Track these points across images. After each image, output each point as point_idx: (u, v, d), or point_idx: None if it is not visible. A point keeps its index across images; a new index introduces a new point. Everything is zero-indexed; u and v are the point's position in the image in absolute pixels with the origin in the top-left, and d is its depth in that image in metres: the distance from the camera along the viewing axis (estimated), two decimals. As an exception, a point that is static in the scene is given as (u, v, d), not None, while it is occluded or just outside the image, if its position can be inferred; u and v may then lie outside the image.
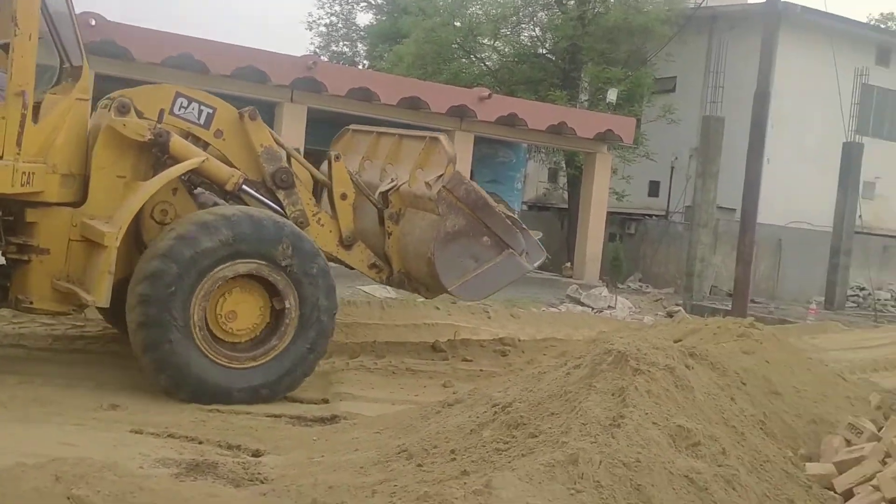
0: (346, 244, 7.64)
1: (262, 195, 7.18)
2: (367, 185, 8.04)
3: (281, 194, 7.25)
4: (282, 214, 7.04)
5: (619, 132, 17.55)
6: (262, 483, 4.60)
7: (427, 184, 7.43)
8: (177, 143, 6.64)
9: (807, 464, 4.81)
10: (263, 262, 6.38)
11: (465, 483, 3.09)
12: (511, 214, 8.29)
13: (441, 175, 7.34)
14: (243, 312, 6.49)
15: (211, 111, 7.06)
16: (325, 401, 6.93)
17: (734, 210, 19.77)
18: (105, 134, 6.55)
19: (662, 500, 3.25)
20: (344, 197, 7.64)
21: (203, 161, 6.69)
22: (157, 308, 6.04)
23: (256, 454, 5.31)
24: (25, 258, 6.30)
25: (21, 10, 5.87)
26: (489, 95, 15.88)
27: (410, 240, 7.69)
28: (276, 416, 6.44)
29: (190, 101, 6.98)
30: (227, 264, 6.27)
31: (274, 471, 4.88)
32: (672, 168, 23.25)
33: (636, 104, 21.86)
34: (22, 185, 6.01)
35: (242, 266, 6.33)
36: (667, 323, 7.67)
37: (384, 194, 7.88)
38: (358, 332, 9.56)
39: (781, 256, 21.82)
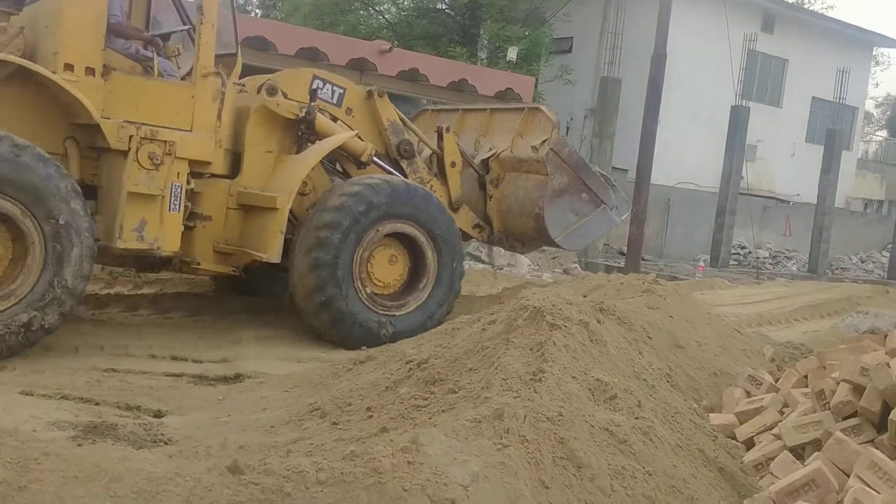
0: (455, 207, 8.41)
1: (387, 165, 8.10)
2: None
3: (404, 163, 8.19)
4: None
5: (519, 91, 17.58)
6: (167, 444, 4.41)
7: (534, 148, 8.39)
8: (321, 120, 7.47)
9: (710, 414, 4.97)
10: (413, 223, 7.33)
11: (390, 441, 3.01)
12: (603, 173, 9.46)
13: (546, 139, 8.33)
14: (391, 268, 7.42)
15: (342, 91, 8.02)
16: (226, 360, 6.72)
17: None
18: (258, 113, 7.27)
19: (585, 453, 3.26)
20: (453, 165, 8.51)
21: (354, 135, 7.61)
22: (331, 254, 6.89)
23: (158, 415, 5.09)
24: (191, 224, 6.96)
25: (206, 1, 6.68)
26: (390, 49, 15.58)
27: (514, 200, 8.63)
28: (175, 375, 6.20)
29: (325, 82, 7.92)
30: (387, 222, 7.18)
31: (178, 432, 4.69)
32: (567, 129, 23.60)
33: (534, 64, 21.97)
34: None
35: (399, 225, 7.28)
36: (569, 279, 7.77)
37: (485, 161, 8.80)
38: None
39: (669, 216, 22.59)
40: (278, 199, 6.88)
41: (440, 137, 8.53)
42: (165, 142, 6.47)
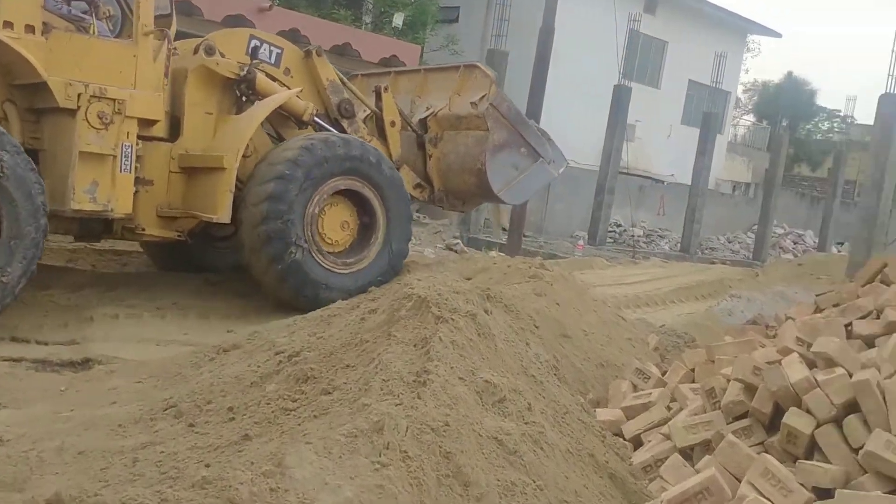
0: (396, 167, 8.18)
1: (327, 125, 7.99)
2: None
3: (345, 123, 8.11)
4: None
5: (404, 59, 17.09)
6: (-5, 446, 3.82)
7: (473, 104, 8.44)
8: (262, 80, 7.46)
9: (597, 410, 4.77)
10: (363, 180, 7.33)
11: (251, 462, 2.58)
12: (540, 127, 9.48)
13: (485, 94, 8.41)
14: (340, 225, 7.39)
15: (280, 51, 7.95)
16: (74, 342, 6.07)
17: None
18: (197, 73, 7.19)
19: (473, 468, 2.94)
20: (393, 124, 8.49)
21: (296, 93, 7.59)
22: (279, 224, 6.81)
23: (-11, 408, 4.46)
24: (134, 189, 6.78)
25: None
26: (270, 7, 14.78)
27: (454, 158, 8.68)
28: (14, 360, 5.53)
29: (262, 42, 7.82)
30: (337, 177, 7.17)
31: (10, 430, 4.09)
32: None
33: (420, 32, 21.47)
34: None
35: (348, 181, 7.27)
36: (455, 260, 7.48)
37: (423, 121, 8.84)
38: (114, 262, 8.59)
39: (550, 192, 22.69)
40: (225, 159, 6.84)
41: (378, 97, 8.50)
42: (115, 100, 6.37)
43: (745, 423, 4.06)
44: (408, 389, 3.33)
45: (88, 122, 6.27)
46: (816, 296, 6.42)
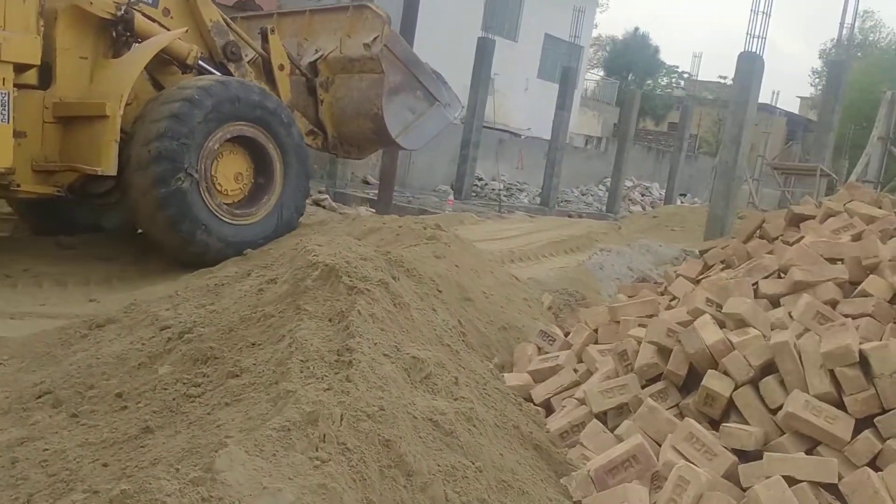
0: None
1: (212, 68, 7.55)
2: None
3: (231, 66, 7.68)
4: None
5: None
6: None
7: (366, 45, 8.14)
8: (140, 20, 6.95)
9: (505, 375, 4.65)
10: (256, 126, 6.94)
11: (175, 470, 2.24)
12: (435, 70, 9.20)
13: (378, 36, 8.11)
14: (234, 175, 6.98)
15: None
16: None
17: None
18: (68, 14, 6.64)
19: (414, 455, 2.71)
20: (281, 68, 8.12)
21: (180, 34, 7.10)
22: (174, 145, 6.35)
23: None
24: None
25: None
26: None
27: (348, 102, 8.37)
28: None
29: None
30: (229, 124, 6.75)
31: None
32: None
33: (276, -25, 20.48)
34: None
35: (241, 127, 6.87)
36: (339, 220, 7.13)
37: (312, 64, 8.54)
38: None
39: (411, 145, 22.45)
40: (108, 106, 6.33)
41: (265, 39, 8.09)
42: None
43: (659, 385, 4.04)
44: (332, 371, 3.05)
45: None
46: (701, 252, 6.56)
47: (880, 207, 5.74)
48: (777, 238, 6.13)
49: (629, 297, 5.90)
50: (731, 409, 3.81)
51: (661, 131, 46.15)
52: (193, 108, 6.48)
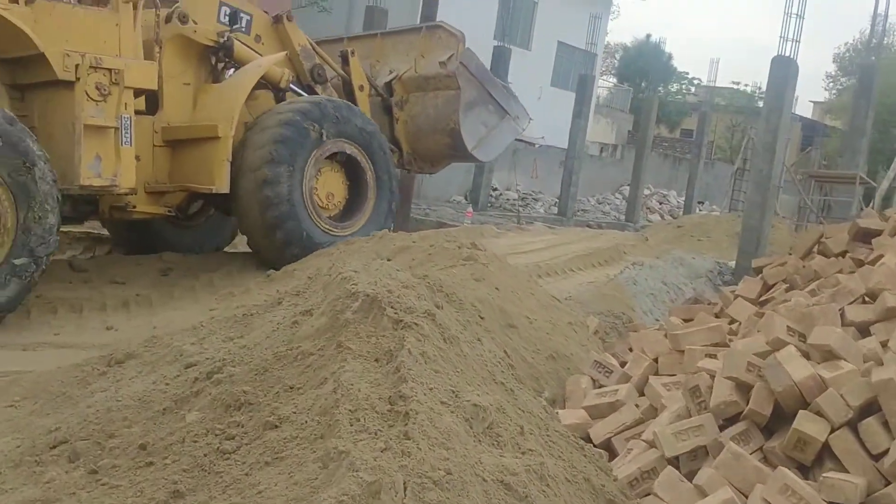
0: None
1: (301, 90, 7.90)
2: None
3: (318, 88, 7.99)
4: None
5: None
6: None
7: (442, 63, 8.44)
8: (240, 47, 7.31)
9: (559, 412, 4.24)
10: (354, 143, 7.29)
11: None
12: (505, 84, 9.65)
13: (453, 54, 8.41)
14: (333, 188, 7.33)
15: (249, 17, 7.64)
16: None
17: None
18: (174, 43, 6.97)
19: (489, 530, 2.32)
20: (361, 88, 8.41)
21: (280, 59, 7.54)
22: (284, 156, 6.71)
23: None
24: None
25: None
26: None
27: (423, 119, 8.64)
28: None
29: (231, 8, 7.47)
30: (331, 141, 7.11)
31: None
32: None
33: (288, -14, 20.18)
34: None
35: (341, 144, 7.23)
36: (366, 238, 6.75)
37: (388, 84, 8.78)
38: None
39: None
40: (220, 128, 6.69)
41: (345, 61, 8.45)
42: (111, 70, 6.05)
43: (740, 427, 3.63)
44: (385, 424, 2.66)
45: (88, 94, 5.92)
46: (756, 270, 6.14)
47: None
48: (840, 254, 5.72)
49: (684, 320, 5.49)
50: (824, 454, 3.40)
51: (676, 138, 45.65)
52: (304, 122, 6.91)
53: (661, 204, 30.56)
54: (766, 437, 3.66)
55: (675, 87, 50.88)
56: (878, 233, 5.54)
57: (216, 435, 2.96)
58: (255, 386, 3.21)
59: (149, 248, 7.80)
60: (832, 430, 3.33)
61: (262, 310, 4.27)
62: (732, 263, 11.90)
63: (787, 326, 3.86)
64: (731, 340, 4.59)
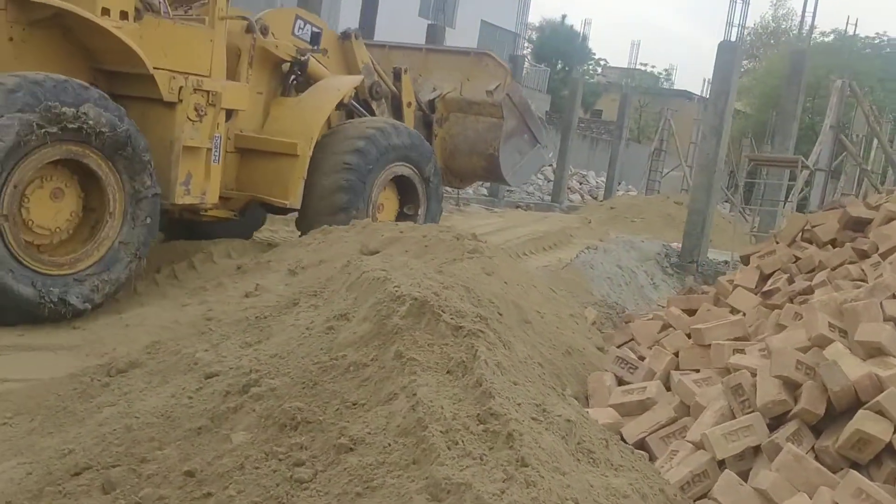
0: None
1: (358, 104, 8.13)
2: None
3: (374, 104, 8.20)
4: None
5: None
6: None
7: (489, 92, 8.82)
8: (313, 64, 7.51)
9: (589, 411, 4.10)
10: (413, 166, 7.59)
11: None
12: (539, 115, 10.16)
13: (500, 84, 8.82)
14: (389, 207, 7.63)
15: (319, 31, 7.86)
16: None
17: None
18: (254, 53, 7.03)
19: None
20: (409, 105, 8.65)
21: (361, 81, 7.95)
22: (357, 177, 6.95)
23: None
24: None
25: None
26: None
27: (462, 140, 9.09)
28: None
29: (305, 22, 7.75)
30: (397, 163, 7.38)
31: None
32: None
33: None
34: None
35: (402, 167, 7.49)
36: (347, 228, 6.38)
37: (431, 102, 9.05)
38: None
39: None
40: (299, 146, 6.85)
41: (397, 78, 8.65)
42: (209, 92, 6.20)
43: (792, 427, 3.56)
44: (486, 447, 2.45)
45: (188, 115, 6.06)
46: (743, 259, 6.13)
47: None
48: (829, 242, 5.76)
49: (685, 311, 5.44)
50: (883, 454, 3.36)
51: (591, 119, 46.29)
52: (372, 146, 7.13)
53: (580, 184, 30.90)
54: (815, 437, 3.62)
55: (583, 68, 51.57)
56: (869, 221, 5.60)
57: (280, 460, 2.69)
58: (307, 402, 2.94)
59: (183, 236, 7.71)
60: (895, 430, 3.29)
61: (277, 311, 3.97)
62: (676, 245, 12.05)
63: (829, 323, 3.82)
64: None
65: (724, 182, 20.99)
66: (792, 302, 4.77)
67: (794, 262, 5.51)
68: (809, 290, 4.87)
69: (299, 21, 7.76)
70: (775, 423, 3.69)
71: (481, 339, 3.00)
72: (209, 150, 6.26)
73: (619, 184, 32.93)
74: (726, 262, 11.92)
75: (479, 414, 2.61)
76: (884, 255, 4.62)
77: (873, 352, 3.62)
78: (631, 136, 43.12)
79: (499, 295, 4.61)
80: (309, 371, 3.14)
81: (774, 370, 3.65)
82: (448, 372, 2.86)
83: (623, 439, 4.02)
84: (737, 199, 19.10)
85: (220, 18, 6.37)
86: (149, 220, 5.69)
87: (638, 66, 52.34)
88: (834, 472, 3.39)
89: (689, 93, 49.26)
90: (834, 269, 5.01)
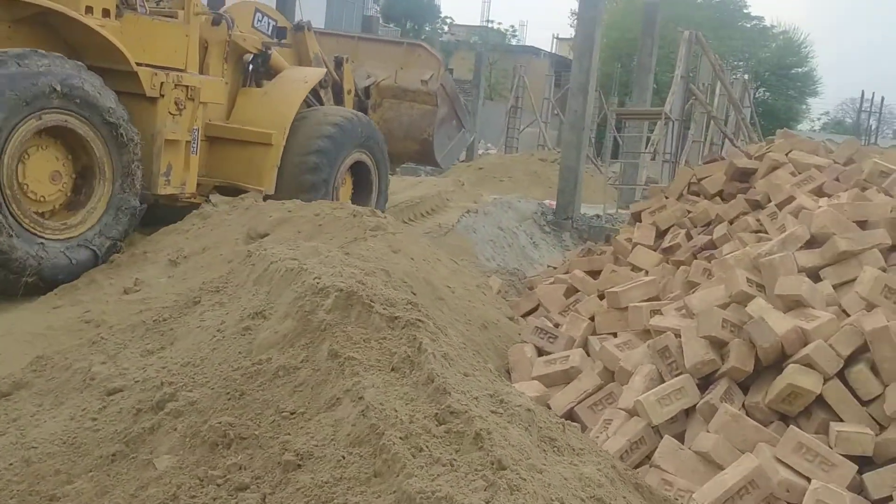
0: None
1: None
2: None
3: (322, 92, 8.50)
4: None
5: None
6: None
7: (423, 81, 9.54)
8: (275, 56, 8.04)
9: (515, 385, 4.00)
10: (369, 153, 8.06)
11: None
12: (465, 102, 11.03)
13: (434, 74, 9.56)
14: (343, 191, 7.90)
15: (275, 23, 8.22)
16: None
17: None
18: (222, 46, 7.42)
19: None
20: (349, 92, 9.09)
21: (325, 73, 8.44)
22: (327, 160, 7.44)
23: None
24: None
25: None
26: None
27: (396, 125, 9.66)
28: None
29: (263, 14, 8.14)
30: (355, 151, 7.84)
31: None
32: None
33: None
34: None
35: (359, 154, 7.94)
36: (229, 210, 5.94)
37: (366, 88, 9.56)
38: None
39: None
40: (273, 136, 7.19)
41: (339, 66, 9.06)
42: (188, 87, 6.48)
43: (723, 386, 3.57)
44: (453, 450, 2.26)
45: (168, 110, 6.31)
46: (633, 215, 6.17)
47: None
48: (717, 194, 5.88)
49: (587, 272, 5.42)
50: (812, 405, 3.43)
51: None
52: (341, 133, 7.57)
53: (441, 144, 30.88)
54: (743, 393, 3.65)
55: (428, 27, 51.50)
56: (753, 171, 5.75)
57: (218, 485, 2.41)
58: (237, 415, 2.66)
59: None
60: (825, 381, 3.35)
61: (177, 312, 3.60)
62: (550, 203, 12.20)
63: (747, 278, 3.85)
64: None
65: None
66: (696, 257, 4.81)
67: (688, 216, 5.58)
68: (711, 244, 4.93)
69: (258, 13, 8.13)
70: (703, 382, 3.70)
71: (422, 330, 2.80)
72: (188, 142, 6.53)
73: (479, 143, 33.21)
74: (598, 216, 12.20)
75: (436, 414, 2.42)
76: (780, 206, 4.73)
77: (792, 304, 3.68)
78: (484, 95, 43.62)
79: (410, 273, 4.42)
80: (231, 379, 2.85)
81: (702, 331, 3.65)
82: (393, 369, 2.65)
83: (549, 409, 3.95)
84: (590, 153, 19.56)
85: (196, 14, 6.68)
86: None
87: (484, 24, 52.73)
88: (765, 426, 3.44)
89: (537, 48, 50.11)
90: (731, 221, 5.09)
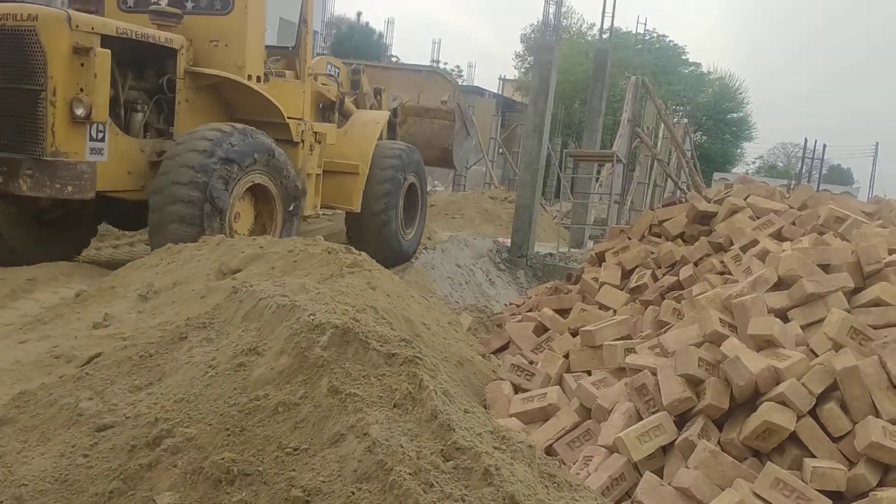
0: None
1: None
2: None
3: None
4: None
5: None
6: None
7: (443, 101, 11.71)
8: (347, 102, 10.13)
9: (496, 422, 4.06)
10: (416, 175, 10.38)
11: None
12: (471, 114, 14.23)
13: (451, 96, 11.74)
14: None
15: (337, 71, 10.38)
16: None
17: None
18: (315, 97, 9.16)
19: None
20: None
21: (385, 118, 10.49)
22: (394, 186, 9.66)
23: None
24: None
25: (309, 13, 8.79)
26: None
27: (419, 137, 11.61)
28: None
29: (329, 65, 10.34)
30: (412, 174, 10.18)
31: None
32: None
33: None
34: None
35: (411, 177, 10.20)
36: (198, 245, 5.86)
37: (394, 109, 11.32)
38: None
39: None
40: (360, 166, 9.17)
41: (377, 94, 11.06)
42: (316, 132, 8.56)
43: (700, 423, 3.69)
44: (463, 486, 2.32)
45: (307, 151, 8.37)
46: (597, 255, 6.33)
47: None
48: (678, 236, 6.07)
49: (555, 310, 5.53)
50: (786, 441, 3.56)
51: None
52: (400, 161, 9.72)
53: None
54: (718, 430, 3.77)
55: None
56: (713, 214, 5.96)
57: (230, 523, 2.41)
58: (238, 451, 2.68)
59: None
60: (798, 419, 3.49)
61: (163, 348, 3.59)
62: (503, 240, 12.34)
63: (720, 318, 3.99)
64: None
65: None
66: (664, 297, 4.96)
67: (652, 257, 5.75)
68: (678, 285, 5.09)
69: (329, 65, 10.22)
70: (678, 419, 3.82)
71: (421, 367, 2.86)
72: (318, 175, 8.63)
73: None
74: (551, 255, 12.38)
75: (442, 450, 2.47)
76: (744, 249, 4.92)
77: (764, 344, 3.83)
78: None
79: (388, 310, 4.45)
80: (229, 415, 2.86)
81: (680, 369, 3.77)
82: (395, 406, 2.70)
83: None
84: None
85: (309, 74, 8.60)
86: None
87: (432, 63, 53.41)
88: (741, 462, 3.56)
89: (482, 89, 50.90)
90: (696, 263, 5.26)
